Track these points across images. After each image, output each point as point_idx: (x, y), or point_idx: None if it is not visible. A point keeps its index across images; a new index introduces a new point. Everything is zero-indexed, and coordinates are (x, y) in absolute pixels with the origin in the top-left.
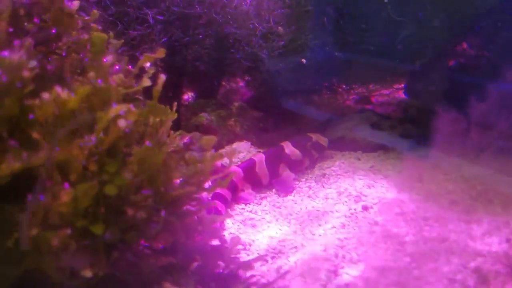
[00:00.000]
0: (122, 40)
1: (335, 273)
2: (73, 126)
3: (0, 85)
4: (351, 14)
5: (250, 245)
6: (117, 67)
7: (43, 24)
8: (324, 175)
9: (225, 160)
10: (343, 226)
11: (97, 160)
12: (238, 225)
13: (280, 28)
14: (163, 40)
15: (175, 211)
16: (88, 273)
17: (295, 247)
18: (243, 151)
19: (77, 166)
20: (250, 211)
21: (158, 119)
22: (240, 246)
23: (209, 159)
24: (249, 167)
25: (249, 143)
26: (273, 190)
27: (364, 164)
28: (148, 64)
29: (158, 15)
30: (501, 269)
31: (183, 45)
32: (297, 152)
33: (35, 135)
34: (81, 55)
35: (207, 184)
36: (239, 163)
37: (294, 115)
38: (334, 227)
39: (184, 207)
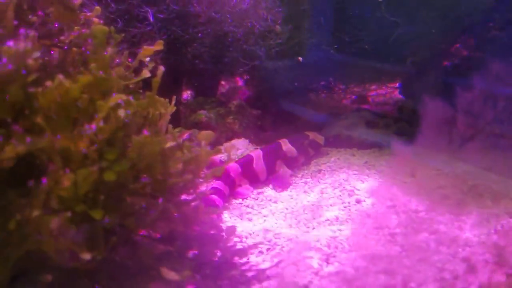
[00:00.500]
0: (123, 34)
1: (327, 261)
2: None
3: (6, 73)
4: (348, 14)
5: (246, 237)
6: (118, 61)
7: (46, 19)
8: (320, 170)
9: (224, 156)
10: (337, 219)
11: (97, 148)
12: (235, 219)
13: (278, 27)
14: (163, 37)
15: (172, 199)
16: (87, 256)
17: (290, 239)
18: (241, 148)
19: (78, 153)
20: (247, 206)
21: (157, 112)
22: (236, 239)
23: (206, 149)
24: (246, 163)
25: (247, 141)
26: (270, 185)
27: (359, 160)
28: (147, 59)
29: (158, 13)
30: (489, 258)
31: (182, 43)
32: (293, 149)
33: (39, 120)
34: (83, 49)
35: (203, 174)
36: (237, 159)
37: (291, 113)
38: (328, 219)
39: (181, 196)
